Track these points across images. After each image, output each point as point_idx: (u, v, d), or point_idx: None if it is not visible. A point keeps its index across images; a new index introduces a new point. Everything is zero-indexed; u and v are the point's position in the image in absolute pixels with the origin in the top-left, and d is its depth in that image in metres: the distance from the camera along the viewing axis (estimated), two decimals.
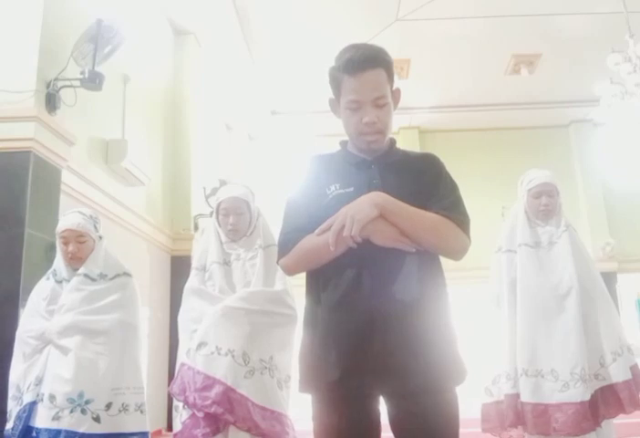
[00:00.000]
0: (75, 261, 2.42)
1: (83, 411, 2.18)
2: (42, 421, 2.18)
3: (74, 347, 2.26)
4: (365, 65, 1.39)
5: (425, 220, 1.37)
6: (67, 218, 2.45)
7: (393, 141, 1.54)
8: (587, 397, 2.27)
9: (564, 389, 2.29)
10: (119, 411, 2.25)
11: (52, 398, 2.19)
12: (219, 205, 2.54)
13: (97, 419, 2.19)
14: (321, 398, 1.37)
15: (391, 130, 1.49)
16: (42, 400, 2.20)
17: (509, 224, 2.66)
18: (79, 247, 2.40)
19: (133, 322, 2.44)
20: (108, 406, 2.23)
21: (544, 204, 2.55)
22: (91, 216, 2.48)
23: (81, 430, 2.16)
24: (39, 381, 2.25)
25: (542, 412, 2.30)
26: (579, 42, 6.64)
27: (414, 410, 1.32)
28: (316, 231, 1.37)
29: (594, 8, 5.98)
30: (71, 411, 2.17)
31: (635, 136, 8.44)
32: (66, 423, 2.16)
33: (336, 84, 1.45)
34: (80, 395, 2.19)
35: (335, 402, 1.34)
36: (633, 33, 5.23)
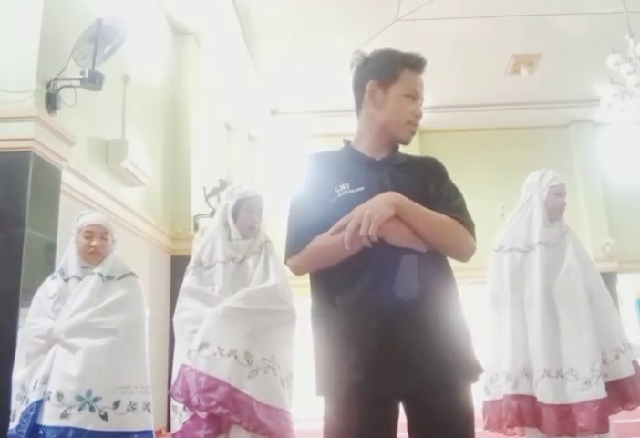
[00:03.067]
0: (94, 256, 2.44)
1: (91, 409, 2.19)
2: (49, 419, 2.18)
3: (82, 345, 2.27)
4: (423, 68, 1.51)
5: (438, 221, 1.39)
6: (93, 215, 2.52)
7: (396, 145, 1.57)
8: (606, 393, 2.28)
9: (586, 386, 2.28)
10: (127, 409, 2.26)
11: (60, 396, 2.19)
12: (242, 201, 2.53)
13: (105, 417, 2.20)
14: (340, 399, 1.36)
15: None
16: (49, 398, 2.20)
17: (514, 223, 2.64)
18: (103, 243, 2.45)
19: (140, 322, 2.46)
20: (116, 404, 2.24)
21: (563, 203, 2.61)
22: (110, 219, 2.59)
23: (89, 427, 2.17)
24: (46, 380, 2.25)
25: (567, 413, 2.28)
26: (579, 42, 6.64)
27: (432, 407, 1.33)
28: (330, 230, 1.36)
29: (594, 8, 5.98)
30: (80, 409, 2.17)
31: (635, 136, 8.44)
32: (74, 421, 2.16)
33: (393, 71, 1.48)
34: (89, 393, 2.20)
35: (355, 403, 1.33)
36: (633, 33, 5.23)
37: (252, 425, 2.18)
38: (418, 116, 1.49)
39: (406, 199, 1.37)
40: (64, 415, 2.16)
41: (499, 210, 7.00)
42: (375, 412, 1.34)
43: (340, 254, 1.36)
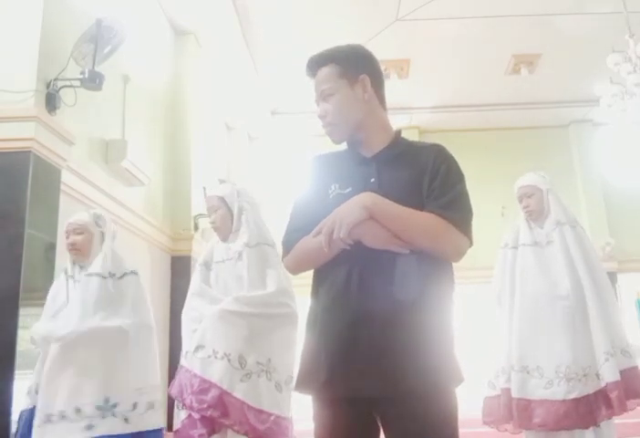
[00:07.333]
0: (74, 253, 2.46)
1: (114, 415, 2.21)
2: (72, 434, 2.16)
3: (94, 352, 2.27)
4: (313, 67, 1.47)
5: (417, 221, 1.33)
6: (72, 217, 2.53)
7: (397, 135, 1.50)
8: (570, 396, 2.30)
9: (548, 386, 2.34)
10: (145, 409, 2.30)
11: (78, 411, 2.18)
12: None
13: (127, 420, 2.23)
14: (315, 398, 1.36)
15: (350, 120, 1.44)
16: (64, 416, 2.18)
17: (516, 224, 2.71)
18: (76, 239, 2.46)
19: (148, 322, 2.47)
20: (135, 406, 2.27)
21: (524, 206, 2.63)
22: (95, 214, 2.55)
23: (117, 432, 2.20)
24: (37, 390, 2.27)
25: (525, 407, 2.35)
26: (579, 42, 6.64)
27: (404, 413, 1.28)
28: (312, 232, 1.35)
29: (594, 8, 5.98)
30: (103, 417, 2.19)
31: (635, 136, 8.44)
32: (103, 430, 2.18)
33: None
34: (106, 401, 2.22)
35: (326, 404, 1.33)
36: (633, 33, 5.24)
37: (243, 429, 2.18)
38: (320, 117, 1.46)
39: (381, 200, 1.32)
40: (89, 427, 2.16)
41: (499, 210, 7.01)
42: (345, 413, 1.31)
43: (322, 256, 1.34)
